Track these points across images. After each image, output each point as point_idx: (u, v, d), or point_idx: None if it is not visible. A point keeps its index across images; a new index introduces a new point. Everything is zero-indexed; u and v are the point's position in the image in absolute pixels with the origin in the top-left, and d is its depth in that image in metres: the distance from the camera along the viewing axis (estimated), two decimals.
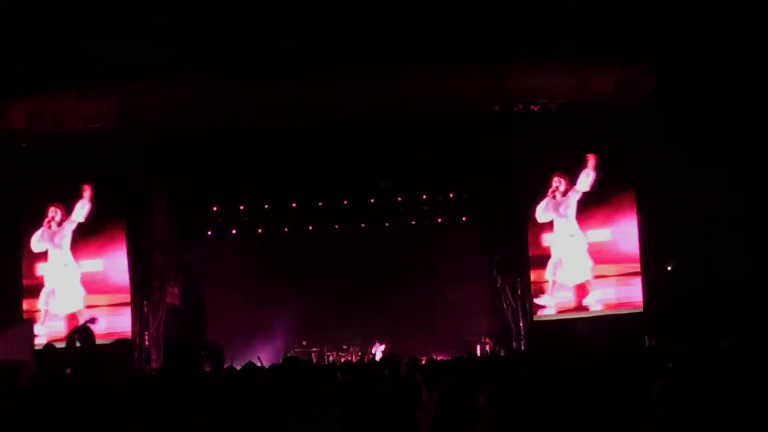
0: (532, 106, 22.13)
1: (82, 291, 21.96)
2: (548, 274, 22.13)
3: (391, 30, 20.39)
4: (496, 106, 21.95)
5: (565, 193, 22.30)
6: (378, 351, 23.61)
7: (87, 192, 22.21)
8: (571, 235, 22.22)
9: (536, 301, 22.02)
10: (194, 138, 22.25)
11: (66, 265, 22.08)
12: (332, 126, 21.93)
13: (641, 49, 21.09)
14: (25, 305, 21.80)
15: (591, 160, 22.32)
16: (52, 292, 22.02)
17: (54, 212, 22.16)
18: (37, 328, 20.69)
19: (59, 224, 22.16)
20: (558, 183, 22.33)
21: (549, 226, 22.28)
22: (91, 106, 21.67)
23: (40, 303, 21.96)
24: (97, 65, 20.69)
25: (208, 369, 6.45)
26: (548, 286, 22.09)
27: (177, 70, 21.35)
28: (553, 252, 22.23)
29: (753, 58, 20.24)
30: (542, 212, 22.27)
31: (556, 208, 22.26)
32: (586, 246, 22.18)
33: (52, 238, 22.14)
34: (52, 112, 21.72)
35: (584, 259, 22.17)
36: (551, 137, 21.64)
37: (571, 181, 22.33)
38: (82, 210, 22.17)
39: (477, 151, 22.58)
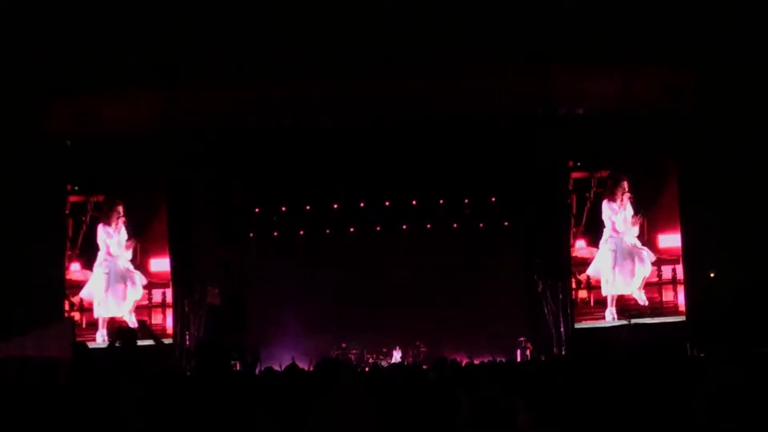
0: (576, 110, 22.02)
1: (140, 289, 22.14)
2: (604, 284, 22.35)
3: (437, 30, 20.38)
4: (540, 109, 21.84)
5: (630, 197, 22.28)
6: (396, 357, 23.56)
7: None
8: (635, 237, 22.24)
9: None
10: (237, 139, 22.37)
11: (128, 261, 22.25)
12: (375, 127, 21.93)
13: (686, 54, 20.91)
14: (68, 303, 21.93)
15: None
16: (109, 290, 22.13)
17: (118, 210, 22.29)
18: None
19: (120, 221, 22.29)
20: (625, 186, 22.20)
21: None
22: (134, 105, 21.80)
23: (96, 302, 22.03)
24: (142, 64, 20.86)
25: (239, 369, 6.43)
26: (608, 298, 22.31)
27: (221, 69, 21.46)
28: (606, 258, 22.23)
29: None
30: (614, 216, 22.22)
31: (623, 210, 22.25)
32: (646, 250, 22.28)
33: (114, 235, 22.26)
34: (95, 112, 21.83)
35: (645, 264, 22.22)
36: (595, 142, 21.56)
37: (632, 184, 22.27)
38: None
39: (520, 155, 22.53)
